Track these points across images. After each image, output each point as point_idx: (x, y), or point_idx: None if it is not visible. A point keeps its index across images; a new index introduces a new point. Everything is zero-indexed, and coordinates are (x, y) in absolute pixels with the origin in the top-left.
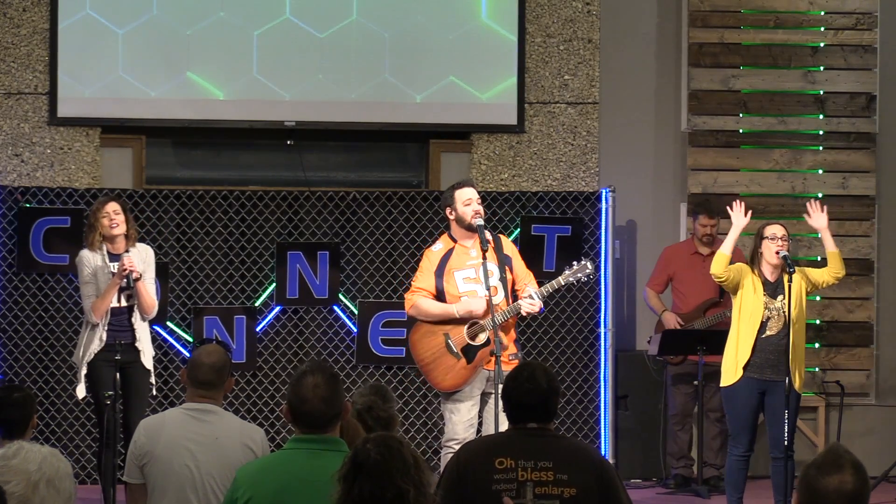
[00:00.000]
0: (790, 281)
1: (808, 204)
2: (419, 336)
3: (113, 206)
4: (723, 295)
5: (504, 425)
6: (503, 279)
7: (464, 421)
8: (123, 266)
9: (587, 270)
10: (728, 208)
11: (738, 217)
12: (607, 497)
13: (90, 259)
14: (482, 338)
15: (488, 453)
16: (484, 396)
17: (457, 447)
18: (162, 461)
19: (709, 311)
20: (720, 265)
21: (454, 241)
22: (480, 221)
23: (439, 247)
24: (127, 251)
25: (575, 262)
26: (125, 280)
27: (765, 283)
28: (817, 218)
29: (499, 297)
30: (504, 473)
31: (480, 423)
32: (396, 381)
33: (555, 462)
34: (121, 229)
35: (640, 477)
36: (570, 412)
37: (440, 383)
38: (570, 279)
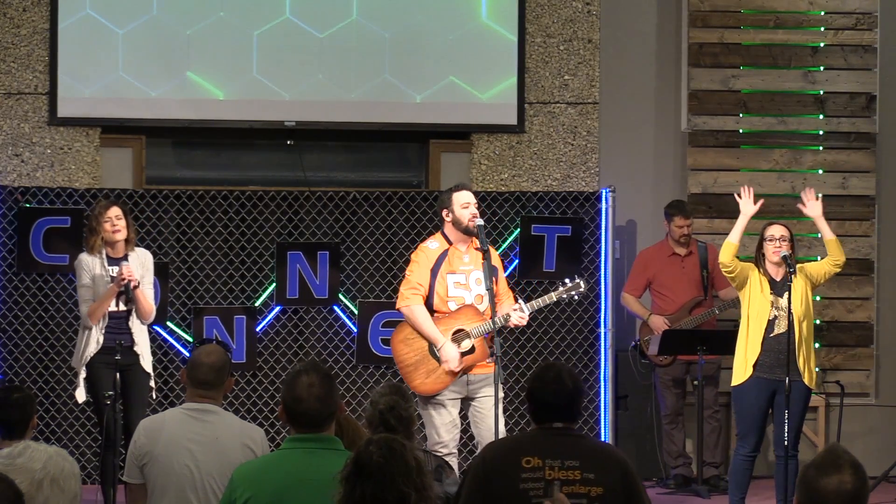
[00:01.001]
0: (789, 281)
1: (802, 193)
2: (402, 338)
3: (115, 211)
4: (707, 293)
5: (502, 426)
6: (490, 289)
7: (446, 423)
8: (122, 276)
9: (580, 289)
10: (736, 195)
11: (747, 204)
12: (631, 497)
13: (89, 263)
14: (466, 345)
15: (515, 452)
16: (465, 401)
17: (444, 451)
18: (162, 461)
19: (694, 310)
20: (728, 254)
21: (449, 242)
22: (481, 222)
23: (435, 245)
24: (125, 256)
25: (568, 280)
26: (123, 288)
27: (771, 282)
28: (812, 206)
29: (483, 306)
30: (532, 472)
31: (465, 427)
32: (396, 381)
33: (581, 461)
34: (122, 234)
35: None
36: None
37: (419, 387)
38: (563, 296)
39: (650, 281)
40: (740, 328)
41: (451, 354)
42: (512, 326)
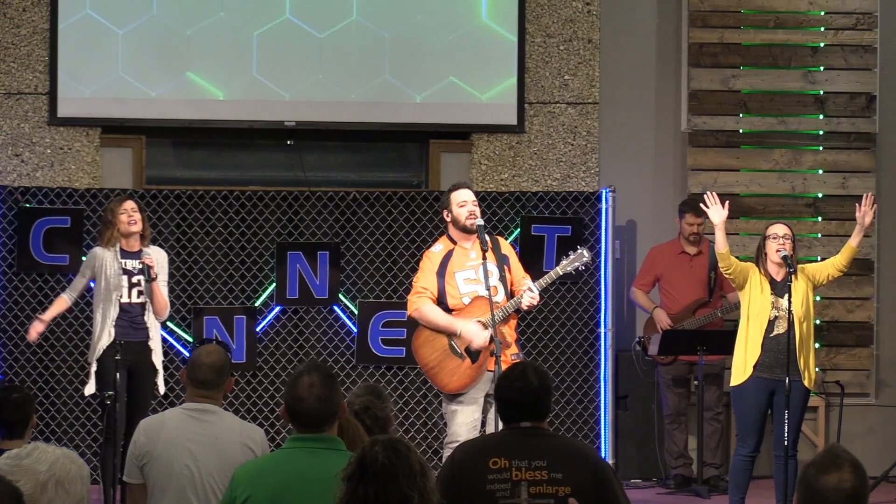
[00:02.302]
0: (789, 280)
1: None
2: (422, 341)
3: (131, 204)
4: (712, 295)
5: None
6: (503, 278)
7: (466, 423)
8: (143, 261)
9: (584, 259)
10: (702, 206)
11: (716, 213)
12: (604, 496)
13: (99, 257)
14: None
15: (483, 453)
16: (488, 398)
17: None
18: (162, 461)
19: (698, 311)
20: (723, 261)
21: (453, 242)
22: (480, 222)
23: (439, 248)
24: (141, 251)
25: (571, 252)
26: (145, 275)
27: (772, 282)
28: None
29: (499, 297)
30: (498, 473)
31: (484, 424)
32: (396, 381)
33: (549, 461)
34: (138, 227)
35: (640, 477)
36: (571, 412)
37: (446, 385)
38: (568, 268)
39: (658, 278)
40: (739, 328)
41: (472, 330)
42: (526, 308)
